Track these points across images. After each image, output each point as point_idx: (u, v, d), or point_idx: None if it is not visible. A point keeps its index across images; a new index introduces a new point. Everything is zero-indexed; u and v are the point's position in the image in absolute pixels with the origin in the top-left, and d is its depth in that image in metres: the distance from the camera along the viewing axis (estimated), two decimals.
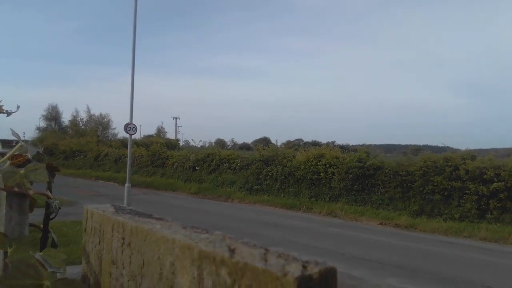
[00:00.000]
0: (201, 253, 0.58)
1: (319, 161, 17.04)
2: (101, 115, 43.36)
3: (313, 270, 0.48)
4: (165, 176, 22.89)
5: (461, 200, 13.50)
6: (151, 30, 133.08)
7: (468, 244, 10.85)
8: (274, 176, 18.20)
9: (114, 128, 43.71)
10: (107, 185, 22.06)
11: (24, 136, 39.87)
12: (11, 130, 1.16)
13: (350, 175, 15.92)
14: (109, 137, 41.68)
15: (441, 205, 13.91)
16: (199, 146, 29.35)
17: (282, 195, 17.39)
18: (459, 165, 13.92)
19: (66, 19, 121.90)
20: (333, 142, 39.66)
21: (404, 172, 14.82)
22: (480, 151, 18.38)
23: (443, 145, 19.22)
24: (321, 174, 16.71)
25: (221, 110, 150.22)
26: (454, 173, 13.84)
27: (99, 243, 0.93)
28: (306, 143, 39.25)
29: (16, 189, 0.94)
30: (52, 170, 1.08)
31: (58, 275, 0.79)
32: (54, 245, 1.03)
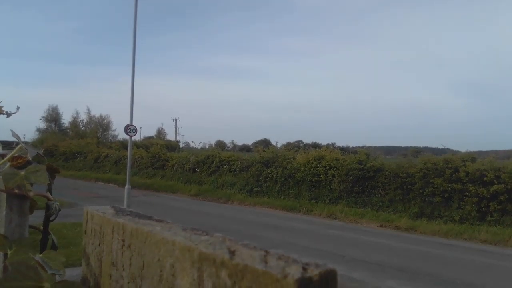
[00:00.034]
0: (201, 255, 0.58)
1: (319, 163, 17.04)
2: (101, 116, 43.38)
3: (313, 272, 0.48)
4: (165, 177, 22.88)
5: (461, 202, 13.49)
6: (151, 30, 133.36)
7: (468, 247, 10.83)
8: (274, 178, 18.19)
9: (114, 130, 43.72)
10: (107, 187, 22.05)
11: (24, 138, 39.76)
12: (11, 131, 1.16)
13: (350, 177, 15.92)
14: (109, 139, 41.68)
15: (441, 207, 13.90)
16: (199, 147, 29.42)
17: (282, 197, 17.38)
18: (459, 167, 13.91)
19: (66, 19, 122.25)
20: (333, 144, 39.65)
21: (404, 174, 14.82)
22: (480, 153, 18.40)
23: (443, 147, 19.16)
24: (321, 176, 16.70)
25: (221, 112, 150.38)
26: (454, 175, 13.83)
27: (99, 245, 0.93)
28: (306, 145, 39.27)
29: (16, 190, 0.94)
30: (52, 172, 1.08)
31: (58, 277, 0.79)
32: (54, 247, 1.03)
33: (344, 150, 21.73)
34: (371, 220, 13.87)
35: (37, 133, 47.44)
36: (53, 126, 51.03)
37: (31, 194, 0.96)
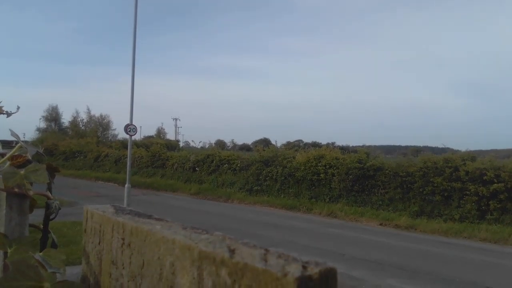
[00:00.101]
0: (201, 253, 0.58)
1: (319, 162, 17.04)
2: (101, 116, 43.41)
3: (313, 270, 0.48)
4: (165, 177, 22.89)
5: (461, 201, 13.50)
6: (151, 30, 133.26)
7: (468, 245, 10.84)
8: (274, 177, 18.20)
9: (114, 129, 43.75)
10: (107, 186, 22.05)
11: (24, 137, 39.86)
12: (11, 131, 1.16)
13: (350, 176, 15.92)
14: (109, 138, 41.70)
15: (441, 206, 13.91)
16: (199, 147, 29.41)
17: (282, 196, 17.39)
18: (459, 166, 13.92)
19: (66, 19, 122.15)
20: (333, 143, 39.58)
21: (404, 173, 14.83)
22: (480, 152, 18.42)
23: (443, 146, 19.18)
24: (321, 175, 16.71)
25: (221, 111, 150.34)
26: (454, 174, 13.84)
27: (99, 243, 0.93)
28: (306, 144, 39.25)
29: (16, 189, 0.94)
30: (52, 171, 1.08)
31: (58, 276, 0.79)
32: (54, 246, 1.03)
33: (344, 149, 21.72)
34: (371, 219, 13.88)
35: (37, 132, 47.50)
36: (53, 125, 51.03)
37: (31, 193, 0.96)
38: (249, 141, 77.95)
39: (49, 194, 1.05)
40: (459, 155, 14.86)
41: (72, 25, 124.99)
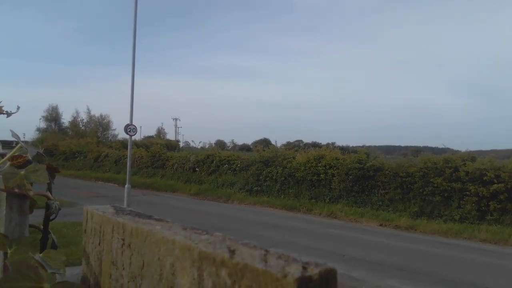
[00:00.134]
0: (201, 254, 0.58)
1: (319, 162, 17.04)
2: (101, 116, 43.41)
3: (313, 271, 0.48)
4: (165, 177, 22.89)
5: (461, 202, 13.49)
6: (151, 30, 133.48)
7: (468, 246, 10.84)
8: (274, 177, 18.19)
9: (114, 129, 43.75)
10: (107, 186, 22.05)
11: (24, 137, 39.84)
12: (11, 131, 1.16)
13: (350, 177, 15.92)
14: (109, 138, 41.70)
15: (441, 206, 13.91)
16: (199, 147, 29.39)
17: (282, 196, 17.39)
18: (459, 166, 13.92)
19: (66, 19, 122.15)
20: (333, 143, 39.57)
21: (404, 174, 14.82)
22: (480, 152, 18.41)
23: (443, 147, 19.17)
24: (321, 175, 16.71)
25: (221, 111, 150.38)
26: (454, 174, 13.84)
27: (99, 244, 0.93)
28: (306, 144, 39.25)
29: (16, 190, 0.94)
30: (52, 171, 1.08)
31: (58, 276, 0.79)
32: (54, 246, 1.03)
33: (344, 149, 21.72)
34: (371, 219, 13.88)
35: (37, 132, 47.47)
36: (53, 125, 51.02)
37: (31, 193, 0.96)
38: (249, 141, 78.03)
39: (49, 195, 1.05)
40: (459, 156, 14.86)
41: (72, 25, 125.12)
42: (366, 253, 9.11)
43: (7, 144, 1.36)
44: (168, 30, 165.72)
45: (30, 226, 1.01)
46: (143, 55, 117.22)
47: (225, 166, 20.67)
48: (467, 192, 13.32)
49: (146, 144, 29.89)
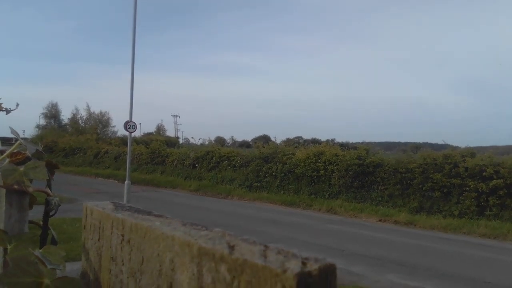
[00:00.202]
0: (201, 249, 0.58)
1: (319, 158, 17.05)
2: (101, 112, 43.30)
3: (313, 266, 0.48)
4: (165, 173, 22.91)
5: (460, 197, 13.52)
6: (151, 28, 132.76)
7: (467, 241, 10.87)
8: (273, 173, 18.21)
9: (114, 126, 43.66)
10: (107, 183, 22.07)
11: (23, 134, 39.87)
12: (10, 128, 1.15)
13: (350, 173, 15.94)
14: (109, 135, 41.64)
15: (440, 202, 13.94)
16: (198, 143, 29.33)
17: (281, 192, 17.41)
18: (459, 162, 13.93)
19: (65, 17, 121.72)
20: (332, 140, 39.60)
21: (404, 169, 14.84)
22: (480, 148, 18.40)
23: (443, 143, 19.17)
24: (320, 171, 16.73)
25: (221, 108, 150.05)
26: (453, 170, 13.86)
27: (99, 240, 0.93)
28: (306, 141, 39.24)
29: (15, 186, 0.94)
30: (51, 168, 1.08)
31: (58, 272, 0.79)
32: (54, 242, 1.04)
33: (343, 146, 21.75)
34: (370, 215, 13.91)
35: (37, 129, 47.39)
36: (53, 122, 50.91)
37: (30, 189, 0.96)
38: (248, 137, 77.92)
39: (49, 191, 1.05)
40: (458, 152, 14.87)
41: (72, 23, 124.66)
42: (365, 248, 9.14)
43: (6, 141, 1.36)
44: (168, 28, 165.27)
45: (30, 222, 1.01)
46: (143, 52, 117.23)
47: (224, 162, 20.68)
48: (467, 188, 13.35)
49: (146, 140, 29.92)
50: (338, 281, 0.50)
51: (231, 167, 20.29)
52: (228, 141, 69.69)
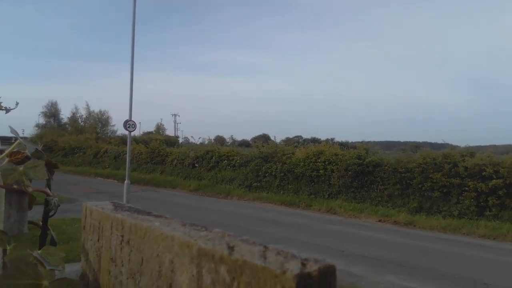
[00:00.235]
0: (200, 250, 0.58)
1: (319, 158, 17.05)
2: (100, 111, 43.34)
3: (312, 267, 0.48)
4: (165, 173, 22.90)
5: (460, 197, 13.52)
6: (151, 26, 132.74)
7: (467, 241, 10.88)
8: (273, 173, 18.21)
9: (114, 125, 43.70)
10: (106, 182, 22.06)
11: (23, 133, 39.83)
12: (10, 127, 1.15)
13: (349, 172, 15.94)
14: (108, 134, 41.67)
15: (440, 202, 13.94)
16: (198, 143, 29.37)
17: (281, 192, 17.41)
18: (458, 162, 13.94)
19: (64, 15, 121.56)
20: (332, 139, 39.64)
21: (403, 169, 14.84)
22: (479, 148, 18.42)
23: (442, 142, 19.18)
24: (320, 171, 16.73)
25: (221, 107, 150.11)
26: (453, 170, 13.86)
27: (98, 240, 0.93)
28: (305, 140, 39.27)
29: (15, 186, 0.93)
30: (51, 167, 1.08)
31: (57, 273, 0.79)
32: (53, 243, 1.03)
33: (343, 145, 21.74)
34: (370, 215, 13.91)
35: (36, 128, 47.35)
36: (52, 121, 50.87)
37: (29, 189, 0.96)
38: (248, 137, 77.96)
39: (48, 191, 1.04)
40: (458, 151, 14.87)
41: (71, 21, 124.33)
42: (365, 249, 9.14)
43: (5, 140, 1.35)
44: (167, 26, 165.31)
45: (29, 222, 1.01)
46: (143, 51, 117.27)
47: (224, 162, 20.68)
48: (466, 188, 13.35)
49: (146, 140, 29.90)
50: (337, 282, 0.50)
51: (230, 167, 20.29)
52: (228, 140, 69.67)
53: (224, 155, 20.95)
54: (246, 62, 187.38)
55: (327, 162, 16.73)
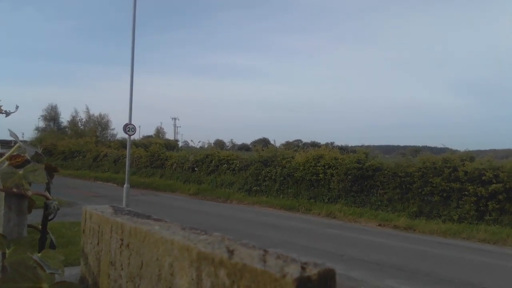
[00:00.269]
0: (200, 254, 0.58)
1: (318, 162, 17.05)
2: (100, 115, 43.34)
3: (312, 271, 0.48)
4: (164, 177, 22.88)
5: (459, 202, 13.51)
6: (151, 29, 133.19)
7: (467, 246, 10.85)
8: (273, 177, 18.19)
9: (113, 129, 43.68)
10: (106, 186, 22.03)
11: (23, 137, 39.78)
12: (9, 130, 1.15)
13: (349, 176, 15.93)
14: (108, 138, 41.65)
15: (439, 206, 13.92)
16: (198, 146, 29.38)
17: (281, 196, 17.39)
18: (458, 166, 13.93)
19: (64, 18, 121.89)
20: (332, 143, 39.56)
21: (403, 173, 14.83)
22: (479, 152, 18.45)
23: (442, 146, 19.22)
24: (320, 175, 16.71)
25: (220, 111, 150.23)
26: (453, 174, 13.85)
27: (98, 244, 0.93)
28: (305, 144, 39.22)
29: (14, 190, 0.93)
30: (50, 171, 1.08)
31: (57, 277, 0.79)
32: (52, 246, 1.03)
33: (343, 149, 21.72)
34: (369, 219, 13.89)
35: (36, 132, 47.36)
36: (52, 125, 50.89)
37: (29, 193, 0.96)
38: (248, 141, 77.86)
39: (48, 195, 1.04)
40: (458, 155, 14.86)
41: (71, 23, 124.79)
42: (365, 253, 9.12)
43: (5, 144, 1.36)
44: (167, 29, 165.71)
45: (29, 226, 1.01)
46: (143, 54, 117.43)
47: (224, 166, 20.67)
48: (466, 192, 13.33)
49: (145, 143, 29.87)
50: (337, 286, 0.50)
51: (230, 171, 20.27)
52: (228, 144, 69.69)
53: (223, 159, 20.94)
54: (246, 65, 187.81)
55: (326, 166, 16.72)
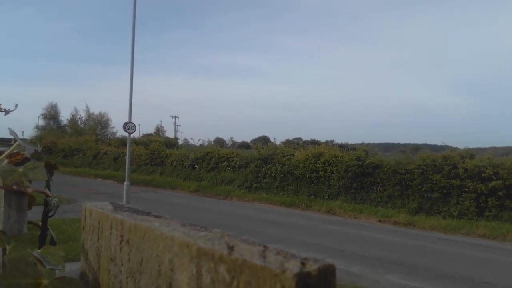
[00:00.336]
0: (200, 250, 0.58)
1: (318, 159, 17.06)
2: (100, 113, 43.29)
3: (312, 267, 0.48)
4: (164, 174, 22.90)
5: (459, 198, 13.53)
6: (151, 29, 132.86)
7: (467, 241, 10.88)
8: (273, 174, 18.21)
9: (113, 127, 43.64)
10: (106, 183, 22.06)
11: (22, 135, 39.80)
12: (9, 129, 1.15)
13: (349, 174, 15.94)
14: (108, 136, 41.63)
15: (439, 203, 13.95)
16: (198, 144, 29.34)
17: (281, 193, 17.41)
18: (458, 163, 13.95)
19: (65, 18, 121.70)
20: (332, 141, 39.65)
21: (403, 171, 14.85)
22: (479, 149, 18.46)
23: (442, 144, 19.19)
24: (320, 172, 16.73)
25: (220, 109, 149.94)
26: (453, 171, 13.87)
27: (98, 240, 0.93)
28: (305, 142, 39.24)
29: (14, 187, 0.93)
30: (50, 169, 1.08)
31: (57, 272, 0.79)
32: (53, 243, 1.03)
33: (343, 147, 21.75)
34: (369, 216, 13.92)
35: (36, 130, 47.34)
36: (52, 123, 50.89)
37: (29, 190, 0.96)
38: (248, 139, 77.86)
39: (48, 192, 1.05)
40: (457, 153, 14.87)
41: (72, 24, 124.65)
42: (365, 249, 9.14)
43: (5, 142, 1.36)
44: (167, 29, 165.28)
45: (29, 222, 1.01)
46: (143, 53, 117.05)
47: (224, 163, 20.68)
48: (466, 189, 13.36)
49: (145, 141, 29.88)
50: (337, 281, 0.50)
51: (230, 168, 20.29)
52: (228, 142, 69.75)
53: (223, 156, 20.96)
54: (246, 65, 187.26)
55: (326, 164, 16.73)
